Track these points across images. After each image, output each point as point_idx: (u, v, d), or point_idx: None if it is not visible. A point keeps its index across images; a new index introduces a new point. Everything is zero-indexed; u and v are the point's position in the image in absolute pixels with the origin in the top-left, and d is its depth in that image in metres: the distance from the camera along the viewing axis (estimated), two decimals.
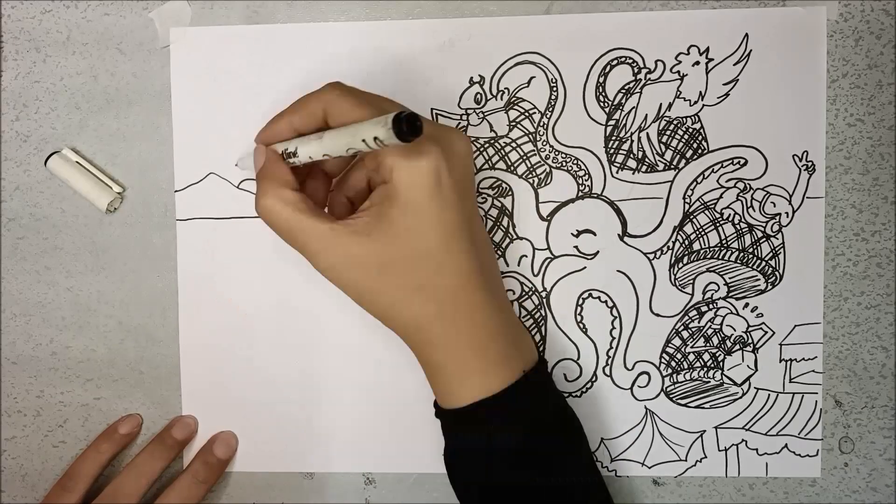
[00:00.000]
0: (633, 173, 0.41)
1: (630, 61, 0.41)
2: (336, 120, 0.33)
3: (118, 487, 0.40)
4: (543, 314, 0.42)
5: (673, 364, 0.42)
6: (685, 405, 0.42)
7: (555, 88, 0.41)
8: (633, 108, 0.41)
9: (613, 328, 0.42)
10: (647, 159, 0.41)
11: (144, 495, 0.41)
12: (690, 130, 0.41)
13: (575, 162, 0.41)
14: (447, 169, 0.32)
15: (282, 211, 0.33)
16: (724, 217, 0.41)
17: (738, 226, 0.41)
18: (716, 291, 0.41)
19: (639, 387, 0.42)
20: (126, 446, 0.43)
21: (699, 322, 0.41)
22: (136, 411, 0.43)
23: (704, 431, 0.42)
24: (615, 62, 0.41)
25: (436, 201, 0.32)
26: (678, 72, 0.41)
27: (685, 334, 0.42)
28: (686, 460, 0.42)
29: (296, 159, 0.35)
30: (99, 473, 0.41)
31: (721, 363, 0.41)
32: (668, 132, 0.41)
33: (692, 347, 0.42)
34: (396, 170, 0.32)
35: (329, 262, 0.33)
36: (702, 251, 0.41)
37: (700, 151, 0.41)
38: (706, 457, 0.42)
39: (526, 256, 0.42)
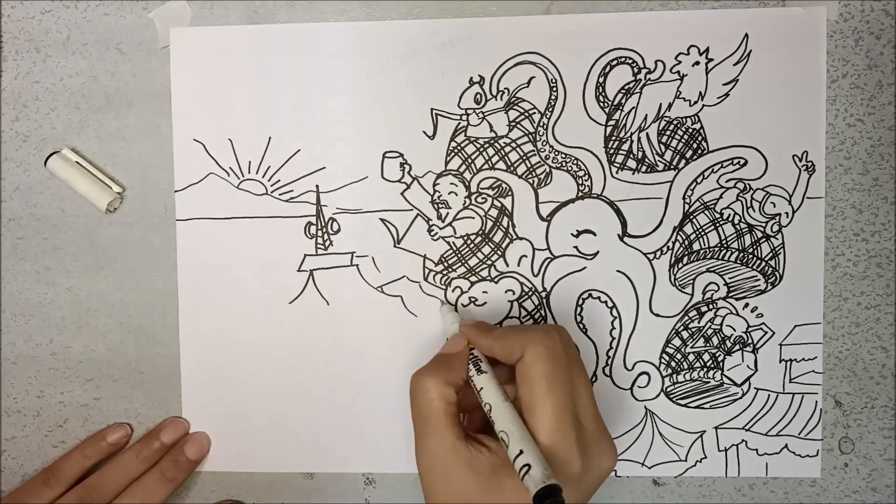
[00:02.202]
0: (633, 173, 0.41)
1: (630, 61, 0.41)
2: (519, 384, 0.34)
3: (99, 482, 0.41)
4: (543, 314, 0.42)
5: (673, 364, 0.42)
6: (685, 405, 0.42)
7: (555, 88, 0.41)
8: (633, 108, 0.41)
9: (613, 328, 0.42)
10: (646, 159, 0.41)
11: (121, 493, 0.41)
12: (690, 130, 0.41)
13: (575, 162, 0.41)
14: (579, 485, 0.33)
15: (433, 400, 0.34)
16: (724, 217, 0.41)
17: (737, 226, 0.41)
18: (716, 292, 0.41)
19: (639, 387, 0.42)
20: (112, 454, 0.43)
21: (699, 322, 0.41)
22: (136, 411, 0.43)
23: (704, 432, 0.42)
24: (615, 62, 0.41)
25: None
26: (678, 72, 0.41)
27: (685, 334, 0.42)
28: (686, 460, 0.42)
29: (473, 379, 0.36)
30: (81, 475, 0.42)
31: (721, 363, 0.41)
32: (668, 132, 0.41)
33: (692, 348, 0.42)
34: (542, 449, 0.32)
35: (429, 466, 0.34)
36: (702, 251, 0.41)
37: (700, 151, 0.41)
38: (706, 457, 0.42)
39: (526, 257, 0.42)
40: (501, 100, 0.41)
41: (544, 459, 0.31)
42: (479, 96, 0.41)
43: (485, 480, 0.33)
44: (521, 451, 0.31)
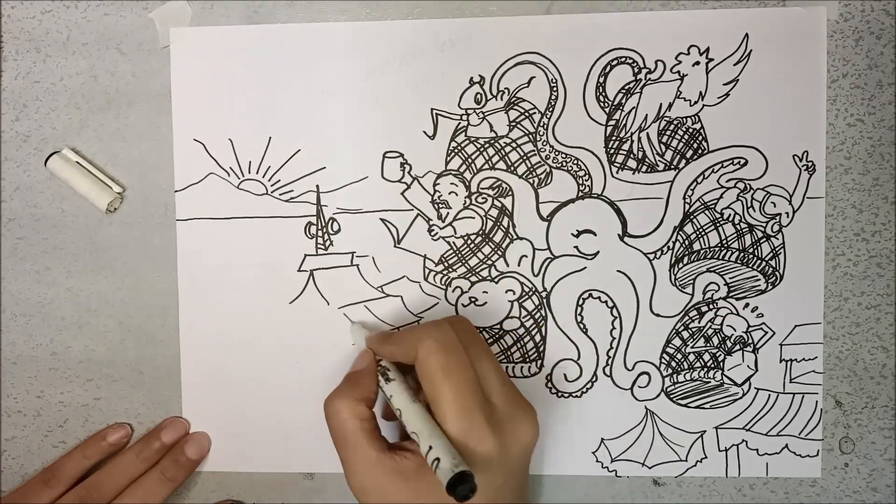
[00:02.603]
0: (634, 173, 0.41)
1: (630, 61, 0.41)
2: (421, 382, 0.35)
3: (99, 482, 0.41)
4: (543, 314, 0.42)
5: (673, 364, 0.42)
6: (685, 405, 0.42)
7: (555, 88, 0.41)
8: (634, 108, 0.41)
9: (613, 328, 0.42)
10: (647, 159, 0.41)
11: (122, 493, 0.41)
12: (690, 130, 0.41)
13: (575, 162, 0.41)
14: (500, 461, 0.33)
15: (346, 420, 0.35)
16: (725, 217, 0.41)
17: (738, 226, 0.41)
18: (716, 291, 0.41)
19: (639, 387, 0.42)
20: (113, 454, 0.43)
21: (699, 322, 0.41)
22: (136, 411, 0.43)
23: (705, 432, 0.42)
24: (615, 62, 0.41)
25: (478, 487, 0.32)
26: (678, 72, 0.41)
27: (685, 334, 0.41)
28: (686, 460, 0.42)
29: (383, 389, 0.37)
30: (81, 475, 0.42)
31: (721, 363, 0.41)
32: (669, 132, 0.41)
33: (692, 348, 0.42)
34: (452, 438, 0.33)
35: (360, 485, 0.35)
36: (702, 251, 0.41)
37: (700, 151, 0.41)
38: (706, 457, 0.42)
39: (526, 256, 0.42)
40: (502, 100, 0.41)
41: (452, 449, 0.32)
42: (479, 96, 0.41)
43: (414, 483, 0.33)
44: (431, 447, 0.32)
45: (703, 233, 0.41)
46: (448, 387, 0.33)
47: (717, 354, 0.41)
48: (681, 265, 0.41)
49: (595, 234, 0.41)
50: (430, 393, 0.34)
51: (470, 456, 0.33)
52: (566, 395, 0.42)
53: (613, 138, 0.41)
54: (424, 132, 0.41)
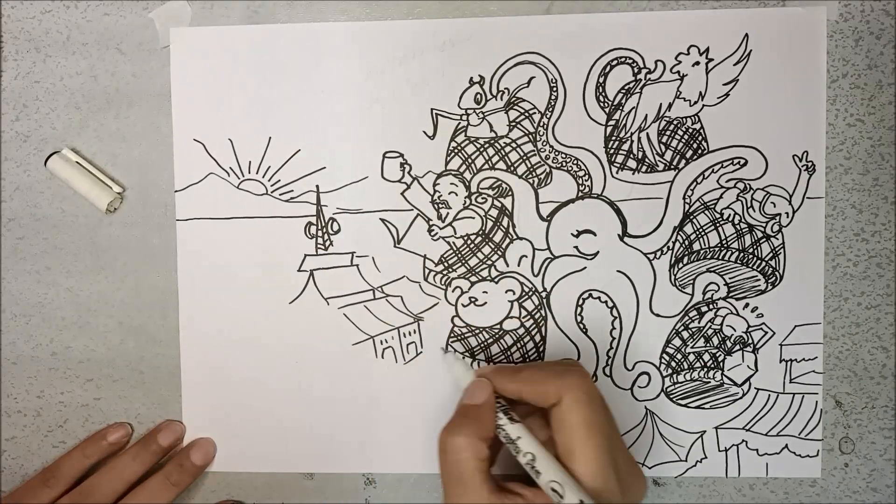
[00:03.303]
0: (633, 173, 0.41)
1: (630, 61, 0.41)
2: (556, 429, 0.34)
3: (95, 485, 0.40)
4: (543, 314, 0.42)
5: (673, 364, 0.42)
6: (685, 405, 0.42)
7: (555, 88, 0.41)
8: (633, 108, 0.41)
9: (613, 328, 0.42)
10: (647, 159, 0.41)
11: (120, 496, 0.41)
12: (690, 130, 0.41)
13: (575, 162, 0.41)
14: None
15: (466, 460, 0.34)
16: (724, 217, 0.41)
17: (738, 226, 0.41)
18: (716, 292, 0.41)
19: (639, 387, 0.42)
20: (113, 453, 0.43)
21: (699, 322, 0.41)
22: (136, 411, 0.43)
23: (705, 432, 0.42)
24: (615, 62, 0.41)
25: None
26: (678, 72, 0.41)
27: (685, 334, 0.41)
28: (686, 461, 0.42)
29: (506, 428, 0.35)
30: (81, 475, 0.42)
31: (721, 363, 0.41)
32: (668, 132, 0.41)
33: (692, 348, 0.42)
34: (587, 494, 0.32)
35: None
36: (702, 251, 0.41)
37: (700, 151, 0.41)
38: (706, 457, 0.42)
39: (526, 257, 0.42)
40: (501, 100, 0.41)
41: None
42: (479, 96, 0.41)
43: None
44: (581, 502, 0.32)
45: (702, 233, 0.41)
46: (591, 443, 0.33)
47: (717, 354, 0.41)
48: (681, 265, 0.41)
49: (595, 234, 0.41)
50: (568, 444, 0.33)
51: None
52: None
53: (613, 138, 0.41)
54: (424, 132, 0.41)
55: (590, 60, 0.41)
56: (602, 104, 0.41)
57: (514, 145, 0.41)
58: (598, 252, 0.41)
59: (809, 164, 0.41)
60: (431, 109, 0.41)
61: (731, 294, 0.41)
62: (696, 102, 0.41)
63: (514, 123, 0.41)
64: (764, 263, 0.41)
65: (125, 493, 0.41)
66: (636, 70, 0.41)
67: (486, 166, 0.41)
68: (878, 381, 0.41)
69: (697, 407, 0.42)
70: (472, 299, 0.42)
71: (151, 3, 0.42)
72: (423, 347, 0.42)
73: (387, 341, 0.42)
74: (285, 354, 0.42)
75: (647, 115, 0.41)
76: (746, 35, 0.40)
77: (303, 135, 0.42)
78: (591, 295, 0.42)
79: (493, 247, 0.42)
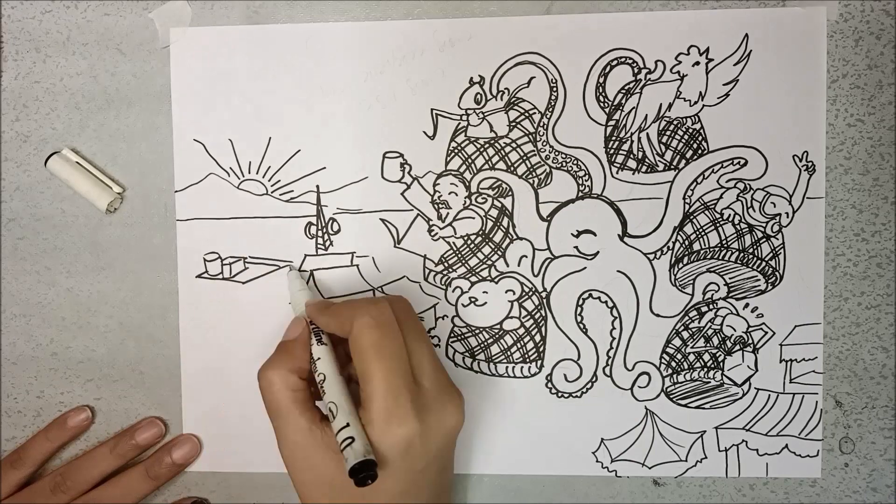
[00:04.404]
0: (633, 173, 0.41)
1: (630, 61, 0.41)
2: (353, 356, 0.35)
3: (70, 471, 0.41)
4: (543, 314, 0.42)
5: (673, 364, 0.42)
6: (685, 405, 0.42)
7: (555, 89, 0.41)
8: (633, 108, 0.41)
9: (613, 328, 0.42)
10: (647, 159, 0.41)
11: (94, 486, 0.41)
12: (690, 131, 0.41)
13: (575, 162, 0.41)
14: (422, 444, 0.34)
15: (280, 391, 0.35)
16: (725, 217, 0.41)
17: (738, 226, 0.41)
18: (716, 292, 0.41)
19: (639, 387, 0.42)
20: (76, 437, 0.43)
21: (699, 322, 0.41)
22: (136, 411, 0.43)
23: (705, 432, 0.42)
24: (615, 62, 0.41)
25: (396, 467, 0.33)
26: (678, 72, 0.41)
27: (685, 335, 0.41)
28: (686, 461, 0.42)
29: (312, 349, 0.36)
30: (46, 459, 0.42)
31: (721, 363, 0.41)
32: (668, 132, 0.41)
33: (692, 348, 0.42)
34: (375, 425, 0.33)
35: (290, 456, 0.35)
36: (702, 251, 0.41)
37: (700, 152, 0.41)
38: (706, 457, 0.42)
39: (526, 257, 0.42)
40: (501, 100, 0.41)
41: (366, 435, 0.33)
42: (479, 96, 0.41)
43: (341, 457, 0.33)
44: (348, 424, 0.33)
45: (702, 233, 0.41)
46: (378, 364, 0.33)
47: (717, 354, 0.41)
48: (681, 265, 0.41)
49: (595, 235, 0.41)
50: (360, 369, 0.34)
51: (390, 437, 0.33)
52: (566, 395, 0.42)
53: (613, 138, 0.41)
54: (424, 132, 0.41)
55: (590, 60, 0.41)
56: (602, 104, 0.41)
57: (514, 145, 0.41)
58: (598, 252, 0.41)
59: (809, 164, 0.41)
60: (431, 109, 0.41)
61: (731, 294, 0.41)
62: (696, 102, 0.41)
63: (514, 123, 0.41)
64: (764, 263, 0.41)
65: (100, 483, 0.41)
66: (636, 70, 0.41)
67: (486, 166, 0.41)
68: (878, 381, 0.41)
69: (697, 407, 0.42)
70: (472, 299, 0.42)
71: (151, 3, 0.42)
72: None
73: None
74: None
75: (647, 116, 0.41)
76: (746, 35, 0.40)
77: (303, 135, 0.42)
78: (591, 295, 0.42)
79: (493, 247, 0.42)
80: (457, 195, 0.42)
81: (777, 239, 0.41)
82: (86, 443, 0.43)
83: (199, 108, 0.42)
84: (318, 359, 0.36)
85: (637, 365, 0.42)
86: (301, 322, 0.38)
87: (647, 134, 0.41)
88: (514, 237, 0.42)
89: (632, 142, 0.41)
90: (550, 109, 0.41)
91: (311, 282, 0.42)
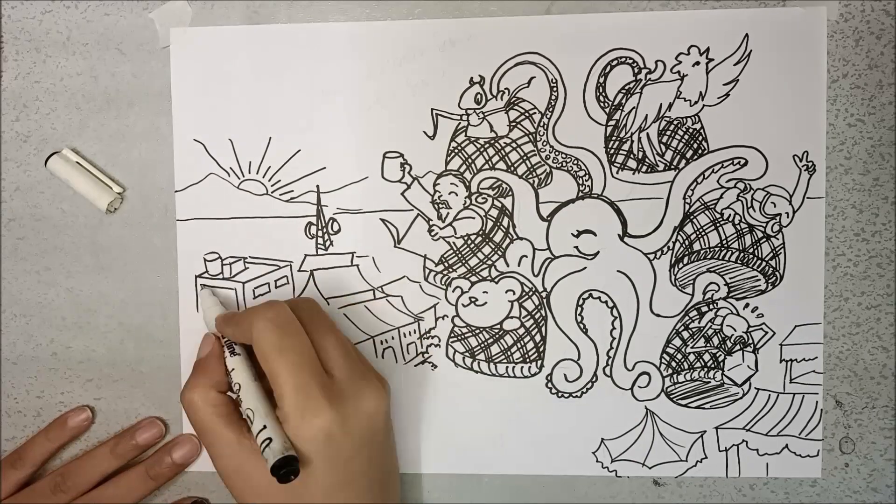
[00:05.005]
0: (634, 173, 0.41)
1: (630, 61, 0.41)
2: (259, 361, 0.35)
3: (71, 471, 0.41)
4: (543, 314, 0.42)
5: (673, 364, 0.42)
6: (685, 405, 0.42)
7: (555, 89, 0.41)
8: (634, 108, 0.41)
9: (614, 328, 0.42)
10: (647, 159, 0.41)
11: (94, 486, 0.41)
12: (690, 131, 0.41)
13: (575, 162, 0.41)
14: (342, 432, 0.34)
15: (201, 410, 0.36)
16: (725, 217, 0.41)
17: (738, 226, 0.41)
18: (716, 292, 0.41)
19: (639, 387, 0.42)
20: (76, 437, 0.43)
21: (699, 322, 0.41)
22: (136, 411, 0.43)
23: (705, 432, 0.42)
24: (615, 62, 0.41)
25: (322, 460, 0.34)
26: (678, 72, 0.41)
27: (685, 335, 0.41)
28: (686, 461, 0.42)
29: (227, 361, 0.37)
30: (47, 459, 0.42)
31: (721, 363, 0.41)
32: (669, 132, 0.41)
33: (692, 348, 0.42)
34: (291, 420, 0.34)
35: (225, 470, 0.36)
36: (702, 251, 0.41)
37: (700, 152, 0.41)
38: (707, 457, 0.42)
39: (526, 257, 0.42)
40: (502, 100, 0.41)
41: (284, 433, 0.33)
42: (479, 96, 0.41)
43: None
44: (265, 426, 0.33)
45: (703, 233, 0.41)
46: (282, 363, 0.34)
47: (718, 354, 0.41)
48: (681, 265, 0.41)
49: (595, 235, 0.41)
50: (267, 370, 0.34)
51: (308, 429, 0.33)
52: (566, 395, 0.42)
53: (613, 138, 0.41)
54: (424, 132, 0.41)
55: (590, 60, 0.41)
56: (602, 104, 0.41)
57: (514, 145, 0.41)
58: (598, 252, 0.41)
59: (809, 164, 0.41)
60: (431, 109, 0.41)
61: (731, 294, 0.41)
62: (696, 102, 0.41)
63: (514, 123, 0.41)
64: (764, 263, 0.41)
65: (100, 483, 0.41)
66: (636, 70, 0.41)
67: (487, 166, 0.41)
68: (879, 381, 0.41)
69: (697, 407, 0.42)
70: (473, 299, 0.42)
71: (151, 3, 0.42)
72: (423, 347, 0.42)
73: (387, 341, 0.42)
74: None
75: (647, 115, 0.41)
76: (746, 35, 0.40)
77: (303, 135, 0.42)
78: (591, 295, 0.42)
79: (493, 247, 0.42)
80: (457, 195, 0.42)
81: (777, 239, 0.41)
82: (86, 443, 0.43)
83: (199, 108, 0.42)
84: (233, 369, 0.37)
85: (637, 365, 0.42)
86: (211, 338, 0.39)
87: (648, 134, 0.41)
88: (515, 237, 0.42)
89: (632, 142, 0.41)
90: (550, 109, 0.41)
91: (310, 285, 0.42)
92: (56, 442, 0.42)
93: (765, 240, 0.41)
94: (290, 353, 0.34)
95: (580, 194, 0.41)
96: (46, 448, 0.42)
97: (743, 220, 0.41)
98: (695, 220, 0.41)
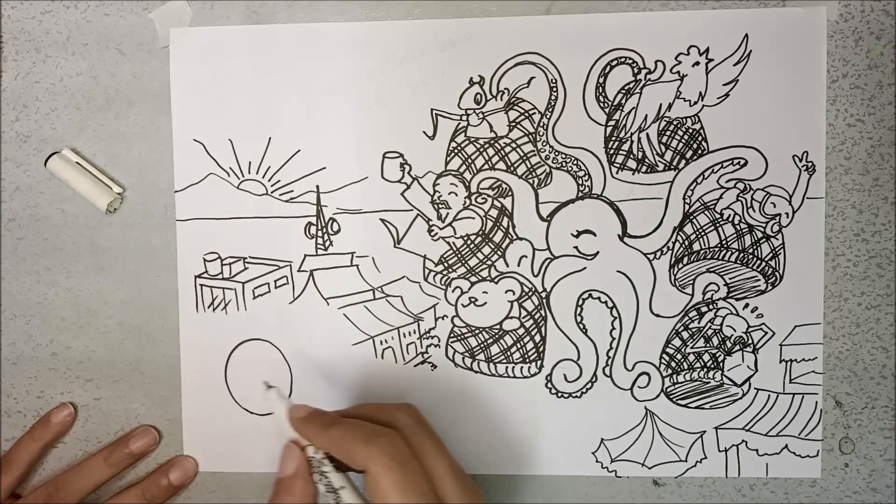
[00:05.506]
0: (633, 174, 0.41)
1: (630, 61, 0.41)
2: (370, 493, 0.33)
3: (63, 482, 0.41)
4: (543, 314, 0.42)
5: (673, 365, 0.42)
6: (685, 406, 0.42)
7: (555, 89, 0.41)
8: (633, 108, 0.41)
9: (613, 328, 0.42)
10: (647, 160, 0.41)
11: (87, 496, 0.41)
12: (690, 131, 0.41)
13: (575, 162, 0.41)
14: None
15: None
16: (724, 217, 0.41)
17: (738, 226, 0.41)
18: (716, 292, 0.41)
19: (639, 387, 0.42)
20: (61, 434, 0.43)
21: (699, 323, 0.41)
22: (136, 411, 0.43)
23: (704, 432, 0.42)
24: (615, 62, 0.41)
25: None
26: (678, 72, 0.41)
27: (685, 335, 0.41)
28: (686, 461, 0.42)
29: (329, 476, 0.34)
30: (35, 459, 0.42)
31: (721, 364, 0.41)
32: (668, 132, 0.41)
33: (692, 348, 0.42)
34: None
35: None
36: (702, 252, 0.41)
37: (700, 152, 0.41)
38: (706, 457, 0.42)
39: (526, 257, 0.42)
40: (501, 100, 0.41)
41: None
42: (479, 96, 0.41)
43: None
44: None
45: (702, 233, 0.41)
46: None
47: (717, 355, 0.41)
48: (681, 265, 0.41)
49: (595, 235, 0.41)
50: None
51: None
52: (566, 395, 0.42)
53: (613, 138, 0.41)
54: (424, 132, 0.41)
55: (590, 60, 0.41)
56: (602, 104, 0.41)
57: (514, 145, 0.41)
58: (598, 252, 0.41)
59: (809, 164, 0.41)
60: (431, 109, 0.41)
61: (731, 294, 0.41)
62: (696, 102, 0.41)
63: (514, 124, 0.41)
64: (764, 264, 0.41)
65: (93, 493, 0.41)
66: (636, 70, 0.41)
67: (486, 166, 0.41)
68: (878, 381, 0.41)
69: (697, 407, 0.42)
70: (472, 299, 0.42)
71: (151, 3, 0.42)
72: (423, 347, 0.42)
73: (387, 341, 0.42)
74: (285, 354, 0.42)
75: (647, 116, 0.41)
76: (746, 35, 0.40)
77: (303, 135, 0.42)
78: (591, 295, 0.42)
79: (492, 247, 0.42)
80: (457, 195, 0.42)
81: (777, 239, 0.41)
82: (86, 443, 0.43)
83: (199, 108, 0.42)
84: (342, 487, 0.34)
85: (637, 365, 0.42)
86: (295, 451, 0.36)
87: (647, 134, 0.41)
88: (514, 237, 0.42)
89: (632, 142, 0.41)
90: (550, 109, 0.41)
91: (310, 285, 0.42)
92: (41, 441, 0.42)
93: (764, 240, 0.41)
94: (412, 493, 0.32)
95: (580, 194, 0.41)
96: (33, 448, 0.42)
97: (743, 220, 0.41)
98: (694, 221, 0.41)
